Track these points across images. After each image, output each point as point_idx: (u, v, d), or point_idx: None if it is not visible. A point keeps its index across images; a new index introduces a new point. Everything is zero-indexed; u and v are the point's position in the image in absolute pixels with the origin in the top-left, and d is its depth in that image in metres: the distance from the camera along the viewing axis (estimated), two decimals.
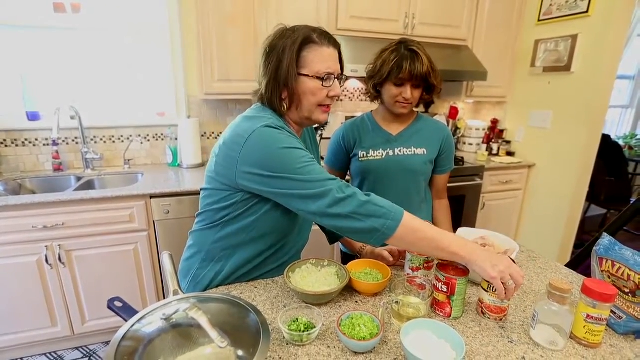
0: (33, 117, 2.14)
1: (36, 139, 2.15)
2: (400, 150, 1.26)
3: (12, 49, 2.06)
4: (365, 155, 1.27)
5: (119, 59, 2.24)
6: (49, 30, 2.08)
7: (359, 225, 0.78)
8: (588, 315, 0.72)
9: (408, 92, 1.15)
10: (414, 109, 1.32)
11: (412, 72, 1.11)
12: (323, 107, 0.91)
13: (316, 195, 0.78)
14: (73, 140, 2.22)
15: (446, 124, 2.93)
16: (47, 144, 2.17)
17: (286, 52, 0.85)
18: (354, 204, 0.78)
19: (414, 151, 1.26)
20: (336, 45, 0.91)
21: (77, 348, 1.98)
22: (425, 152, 1.26)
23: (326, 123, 2.53)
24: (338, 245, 2.30)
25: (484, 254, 0.77)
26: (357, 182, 1.34)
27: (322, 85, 0.87)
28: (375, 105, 1.34)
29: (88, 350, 1.96)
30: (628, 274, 0.77)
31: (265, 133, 0.81)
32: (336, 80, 0.90)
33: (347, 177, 1.44)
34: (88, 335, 1.96)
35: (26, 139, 2.14)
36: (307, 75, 0.86)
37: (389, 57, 1.15)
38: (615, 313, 0.79)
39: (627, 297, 0.78)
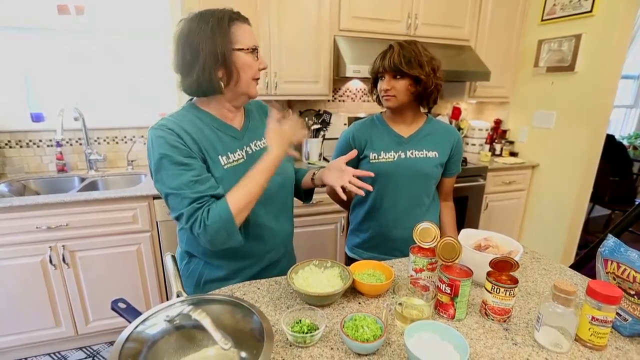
0: (37, 118, 2.15)
1: (40, 140, 2.16)
2: (412, 153, 1.25)
3: (16, 50, 2.07)
4: (376, 157, 1.25)
5: (122, 60, 2.25)
6: (53, 31, 2.10)
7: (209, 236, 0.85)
8: (593, 318, 0.72)
9: (385, 83, 1.19)
10: (424, 112, 1.32)
11: (383, 64, 1.17)
12: (255, 81, 0.95)
13: (172, 209, 0.88)
14: (77, 142, 2.23)
15: (449, 124, 2.93)
16: (51, 145, 2.18)
17: (216, 30, 0.86)
18: (201, 232, 0.85)
19: (426, 154, 1.25)
20: (250, 23, 0.95)
21: (80, 348, 1.98)
22: (437, 155, 1.26)
23: (329, 123, 2.54)
24: (341, 247, 2.31)
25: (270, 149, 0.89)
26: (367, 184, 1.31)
27: (257, 58, 0.92)
28: (378, 107, 1.33)
29: (92, 351, 1.97)
30: (634, 275, 0.76)
31: (152, 134, 0.89)
32: (261, 54, 0.95)
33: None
34: (91, 336, 1.97)
35: (30, 140, 2.15)
36: (242, 50, 0.89)
37: None
38: (620, 315, 0.79)
39: (632, 299, 0.77)
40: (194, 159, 0.88)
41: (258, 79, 0.95)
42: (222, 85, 0.91)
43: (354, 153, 1.07)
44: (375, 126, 1.31)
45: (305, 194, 1.22)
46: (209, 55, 0.86)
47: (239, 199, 0.85)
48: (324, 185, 1.10)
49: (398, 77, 1.17)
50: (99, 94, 2.26)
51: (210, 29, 0.86)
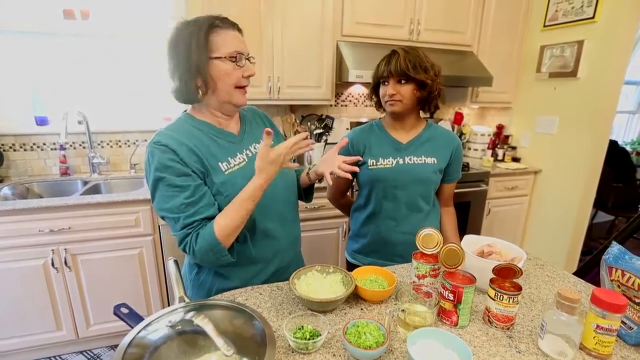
0: (41, 121, 2.17)
1: (44, 144, 2.17)
2: (410, 159, 1.24)
3: (22, 54, 2.09)
4: (375, 163, 1.25)
5: (126, 65, 2.27)
6: (58, 36, 2.11)
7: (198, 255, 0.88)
8: (598, 326, 0.71)
9: (390, 88, 1.18)
10: (423, 117, 1.32)
11: (389, 69, 1.16)
12: (241, 89, 0.93)
13: (171, 227, 0.90)
14: (80, 145, 2.24)
15: (451, 129, 2.92)
16: (55, 149, 2.19)
17: (193, 39, 0.85)
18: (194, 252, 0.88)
19: (425, 160, 1.25)
20: (239, 30, 0.92)
21: (81, 352, 1.98)
22: (436, 161, 1.25)
23: (331, 128, 2.55)
24: (343, 252, 2.30)
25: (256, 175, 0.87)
26: (366, 190, 1.31)
27: (237, 65, 0.89)
28: (382, 113, 1.34)
29: (92, 354, 1.96)
30: (639, 283, 0.76)
31: (148, 152, 0.88)
32: (247, 60, 0.92)
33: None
34: (92, 339, 1.97)
35: (34, 144, 2.16)
36: (219, 58, 0.87)
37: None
38: (625, 324, 0.78)
39: (637, 307, 0.77)
40: (188, 176, 0.87)
41: (243, 86, 0.93)
42: (200, 95, 0.90)
43: (345, 141, 1.10)
44: (374, 132, 1.31)
45: (305, 193, 1.22)
46: (185, 64, 0.86)
47: (225, 225, 0.85)
48: (320, 180, 1.13)
49: (403, 81, 1.17)
50: (103, 98, 2.28)
51: (189, 37, 0.86)
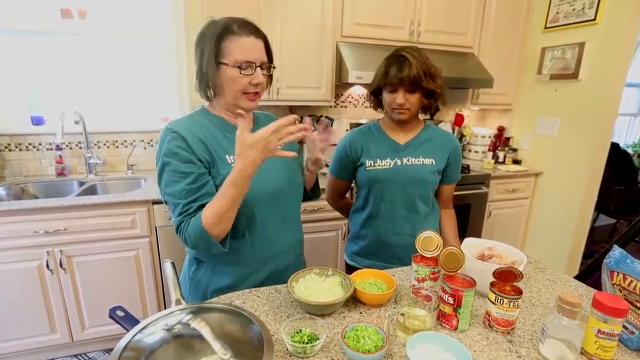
0: (37, 121, 2.15)
1: (40, 144, 2.16)
2: (408, 160, 1.24)
3: (18, 54, 2.08)
4: (372, 164, 1.24)
5: (124, 64, 2.26)
6: (55, 35, 2.10)
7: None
8: (599, 331, 0.70)
9: (400, 97, 1.15)
10: (421, 118, 1.31)
11: (400, 77, 1.12)
12: (249, 94, 0.93)
13: (171, 212, 0.92)
14: (77, 145, 2.23)
15: (451, 131, 2.92)
16: (51, 149, 2.18)
17: (207, 42, 0.89)
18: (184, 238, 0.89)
19: (423, 161, 1.24)
20: (259, 35, 0.93)
21: (75, 356, 1.96)
22: (434, 162, 1.25)
23: (333, 125, 2.54)
24: (342, 254, 2.29)
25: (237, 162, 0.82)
26: (364, 191, 1.30)
27: (241, 73, 0.89)
28: (380, 114, 1.33)
29: (87, 358, 1.94)
30: None
31: (160, 137, 0.91)
32: (258, 68, 0.91)
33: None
34: (87, 343, 1.95)
35: (30, 144, 2.15)
36: (227, 64, 0.88)
37: (382, 65, 1.19)
38: (627, 328, 0.77)
39: (639, 311, 0.76)
40: (193, 164, 0.89)
41: (251, 93, 0.92)
42: (210, 94, 0.96)
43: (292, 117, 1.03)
44: (372, 133, 1.30)
45: (312, 190, 1.21)
46: (198, 65, 0.92)
47: (211, 213, 0.84)
48: (320, 167, 1.14)
49: (412, 90, 1.14)
50: (100, 98, 2.27)
51: (204, 40, 0.90)
